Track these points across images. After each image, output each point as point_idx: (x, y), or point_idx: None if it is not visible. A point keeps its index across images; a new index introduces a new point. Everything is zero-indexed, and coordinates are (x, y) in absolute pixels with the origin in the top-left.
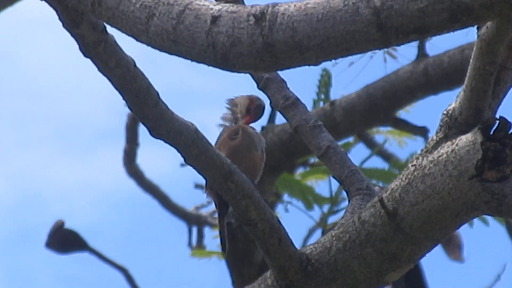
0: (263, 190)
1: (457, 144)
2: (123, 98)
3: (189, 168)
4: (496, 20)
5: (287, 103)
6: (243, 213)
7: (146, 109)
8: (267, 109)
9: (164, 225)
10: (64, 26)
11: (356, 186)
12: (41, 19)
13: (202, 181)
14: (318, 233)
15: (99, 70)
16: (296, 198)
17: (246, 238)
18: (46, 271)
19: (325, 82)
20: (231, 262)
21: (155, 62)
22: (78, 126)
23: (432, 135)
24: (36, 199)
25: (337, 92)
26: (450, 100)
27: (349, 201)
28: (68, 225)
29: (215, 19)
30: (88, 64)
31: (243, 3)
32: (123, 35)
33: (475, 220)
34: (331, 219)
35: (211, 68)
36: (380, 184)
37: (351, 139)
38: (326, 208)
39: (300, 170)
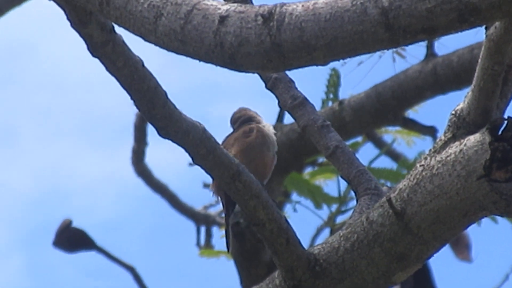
0: (271, 189)
1: (465, 144)
2: (131, 98)
3: (197, 167)
4: (504, 20)
5: (295, 103)
6: (251, 213)
7: (154, 109)
8: (275, 108)
9: (172, 224)
10: (72, 26)
11: (364, 186)
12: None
13: (210, 181)
14: (326, 232)
15: (107, 69)
16: (305, 196)
17: (255, 238)
18: (70, 265)
19: (334, 82)
20: (239, 261)
21: (179, 56)
22: (102, 120)
23: (440, 135)
24: (60, 193)
25: (346, 92)
26: (459, 99)
27: (357, 201)
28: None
29: (223, 19)
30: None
31: (251, 3)
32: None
33: (484, 220)
34: (339, 219)
35: None
36: (388, 184)
37: (359, 139)
38: (334, 207)
39: (308, 170)
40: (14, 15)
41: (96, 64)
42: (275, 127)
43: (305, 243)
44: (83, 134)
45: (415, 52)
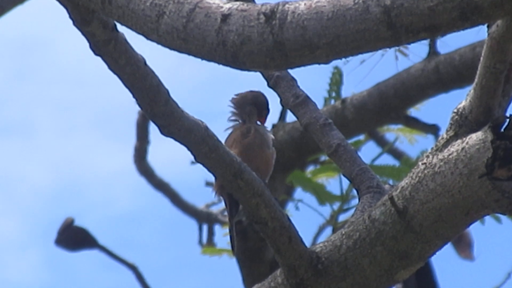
0: (274, 188)
1: (467, 143)
2: (133, 96)
3: (199, 166)
4: (506, 19)
5: (297, 101)
6: (253, 211)
7: (156, 107)
8: (277, 106)
9: (174, 222)
10: (74, 24)
11: (366, 184)
12: None
13: (212, 179)
14: (328, 231)
15: (109, 68)
16: (309, 192)
17: (257, 236)
18: (87, 258)
19: (336, 80)
20: (241, 260)
21: None
22: (119, 113)
23: (442, 133)
24: (77, 186)
25: (348, 90)
26: (461, 98)
27: (359, 199)
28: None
29: (225, 17)
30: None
31: (253, 1)
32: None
33: (486, 219)
34: (342, 217)
35: None
36: (391, 182)
37: (362, 137)
38: (336, 206)
39: (310, 168)
40: (30, 10)
41: None
42: (277, 126)
43: (308, 242)
44: (100, 127)
45: (418, 51)
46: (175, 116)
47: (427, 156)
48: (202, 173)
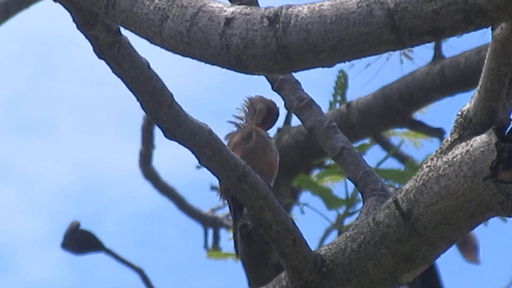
0: (279, 192)
1: (471, 145)
2: (137, 100)
3: (204, 170)
4: (510, 21)
5: (302, 104)
6: (257, 214)
7: (160, 110)
8: (281, 114)
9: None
10: (78, 28)
11: (370, 187)
12: None
13: (217, 183)
14: (334, 234)
15: (113, 71)
16: (317, 195)
17: (262, 239)
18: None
19: (341, 84)
20: (247, 263)
21: None
22: (141, 112)
23: (447, 136)
24: (98, 184)
25: (353, 94)
26: (466, 101)
27: (363, 202)
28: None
29: (228, 21)
30: (151, 51)
31: (257, 5)
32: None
33: (491, 221)
34: (347, 221)
35: None
36: (396, 185)
37: (367, 141)
38: (342, 209)
39: (316, 172)
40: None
41: None
42: (282, 129)
43: (313, 246)
44: (122, 126)
45: (423, 54)
46: (179, 120)
47: (432, 159)
48: (208, 177)
